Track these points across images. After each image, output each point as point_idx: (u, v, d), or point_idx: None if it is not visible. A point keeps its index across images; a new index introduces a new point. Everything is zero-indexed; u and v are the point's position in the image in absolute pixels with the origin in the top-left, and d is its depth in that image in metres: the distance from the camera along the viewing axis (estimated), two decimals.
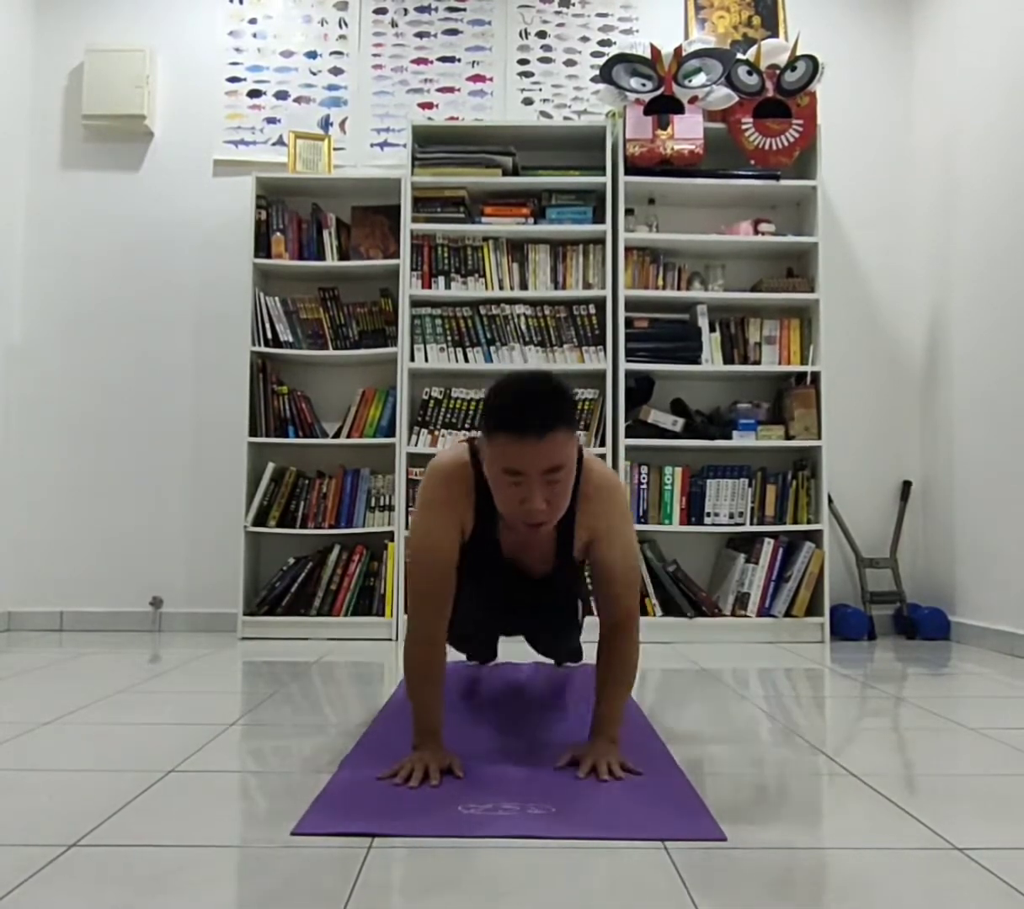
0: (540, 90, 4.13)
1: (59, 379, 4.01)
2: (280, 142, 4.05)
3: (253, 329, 3.77)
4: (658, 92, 3.76)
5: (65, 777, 1.69)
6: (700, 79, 3.76)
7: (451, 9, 4.16)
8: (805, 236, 3.86)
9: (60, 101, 4.09)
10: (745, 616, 3.67)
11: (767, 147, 3.81)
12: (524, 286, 3.81)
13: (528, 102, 4.12)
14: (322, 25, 4.14)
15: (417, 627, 1.80)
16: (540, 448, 1.62)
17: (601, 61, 3.88)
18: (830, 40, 4.07)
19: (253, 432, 3.76)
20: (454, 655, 2.10)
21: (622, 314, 3.72)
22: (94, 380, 4.01)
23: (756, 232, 3.86)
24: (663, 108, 3.77)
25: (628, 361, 3.72)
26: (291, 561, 3.77)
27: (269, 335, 3.81)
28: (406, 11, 4.15)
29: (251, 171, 3.90)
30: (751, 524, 3.75)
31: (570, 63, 4.15)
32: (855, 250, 4.12)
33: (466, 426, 3.75)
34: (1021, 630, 3.27)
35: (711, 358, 3.79)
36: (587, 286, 3.81)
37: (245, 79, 4.12)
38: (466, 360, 3.77)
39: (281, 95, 4.11)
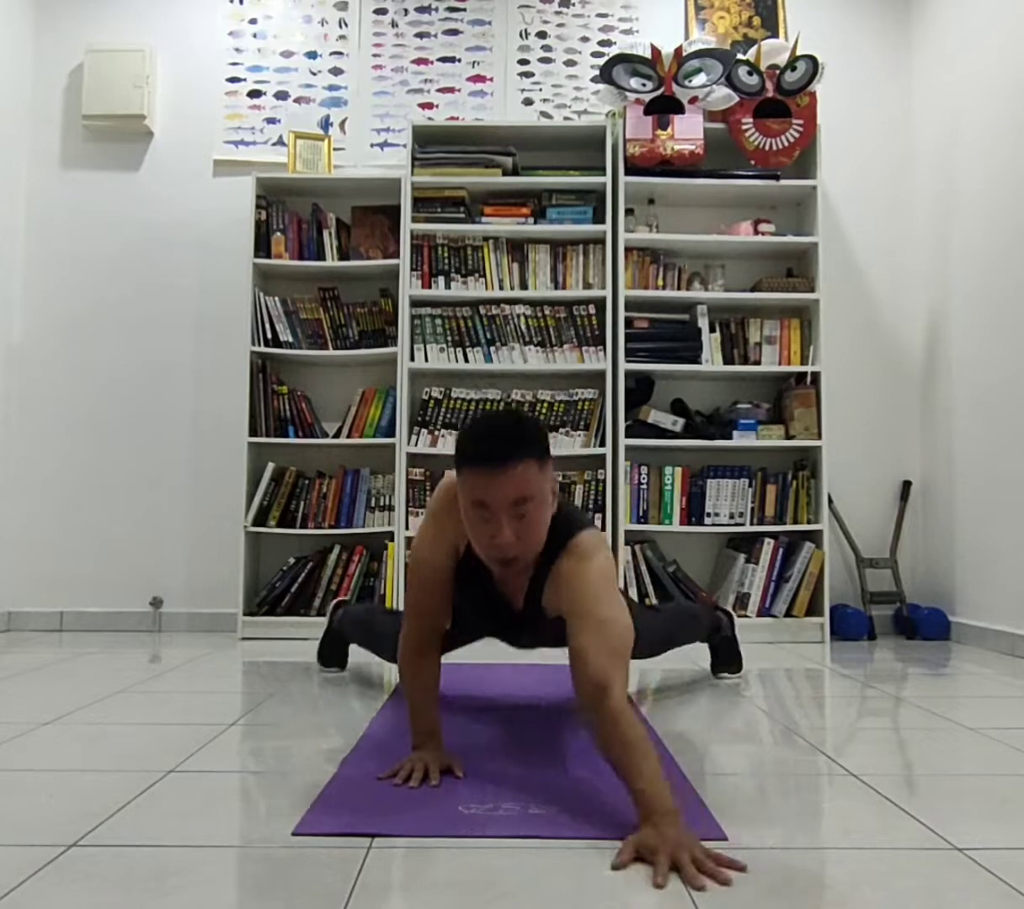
0: (540, 90, 4.13)
1: (59, 379, 4.01)
2: (280, 142, 4.05)
3: (253, 329, 3.77)
4: (658, 92, 3.76)
5: (65, 777, 1.69)
6: (700, 79, 3.76)
7: (451, 9, 4.16)
8: (805, 236, 3.86)
9: (60, 101, 4.09)
10: (745, 616, 3.67)
11: (767, 147, 3.81)
12: (524, 286, 3.81)
13: (528, 102, 4.12)
14: (322, 25, 4.15)
15: (410, 637, 1.83)
16: (504, 478, 1.61)
17: (601, 61, 3.88)
18: (830, 40, 4.07)
19: (253, 432, 3.76)
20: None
21: (622, 314, 3.72)
22: (94, 380, 4.02)
23: (756, 232, 3.86)
24: (663, 108, 3.77)
25: (628, 361, 3.72)
26: (291, 561, 3.77)
27: (269, 335, 3.81)
28: (406, 11, 4.15)
29: (251, 171, 3.90)
30: (751, 524, 3.75)
31: (570, 63, 4.15)
32: (855, 250, 4.12)
33: (466, 425, 3.75)
34: (1021, 630, 3.27)
35: (711, 358, 3.79)
36: (587, 286, 3.81)
37: (245, 79, 4.12)
38: (466, 360, 3.77)
39: (281, 95, 4.11)
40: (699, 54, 3.78)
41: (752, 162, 3.83)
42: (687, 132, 3.77)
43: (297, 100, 4.11)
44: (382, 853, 1.31)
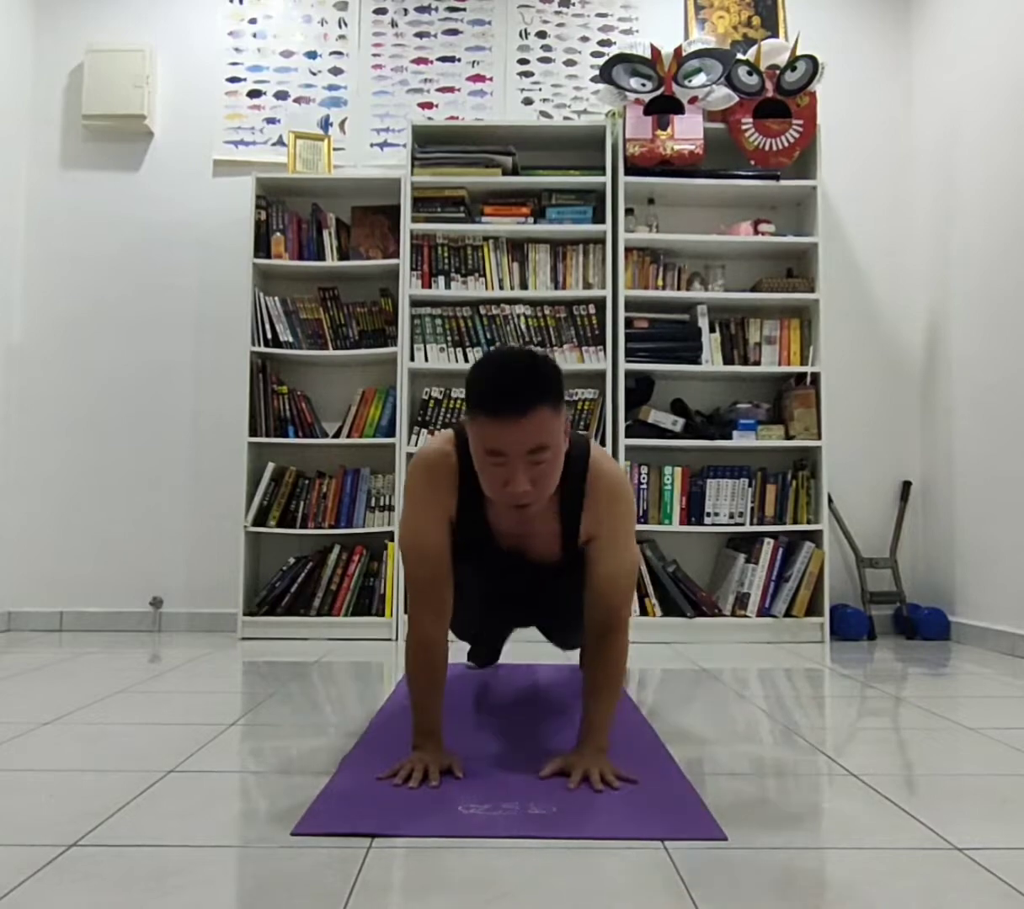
0: (540, 90, 4.13)
1: (59, 379, 4.01)
2: (280, 142, 4.05)
3: (253, 329, 3.77)
4: (658, 92, 3.76)
5: (65, 777, 1.69)
6: (700, 79, 3.76)
7: (451, 9, 4.16)
8: (805, 236, 3.87)
9: (60, 101, 4.09)
10: (745, 616, 3.67)
11: (767, 147, 3.81)
12: (524, 286, 3.81)
13: (528, 102, 4.12)
14: (322, 25, 4.15)
15: (416, 629, 1.78)
16: (520, 428, 1.57)
17: (601, 61, 3.88)
18: (830, 40, 4.07)
19: (253, 432, 3.76)
20: (456, 656, 2.10)
21: (622, 314, 3.72)
22: (94, 380, 4.02)
23: (756, 232, 3.86)
24: (663, 108, 3.77)
25: (628, 361, 3.72)
26: (291, 561, 3.77)
27: (269, 335, 3.81)
28: (406, 11, 4.15)
29: (251, 171, 3.91)
30: (751, 524, 3.75)
31: (570, 63, 4.15)
32: (855, 250, 4.12)
33: None
34: (1021, 630, 3.27)
35: (711, 358, 3.79)
36: (587, 286, 3.81)
37: (245, 79, 4.12)
38: (466, 360, 3.77)
39: (281, 95, 4.11)
40: (699, 54, 3.78)
41: (752, 162, 3.83)
42: (687, 132, 3.77)
43: (297, 100, 4.11)
44: (382, 853, 1.31)
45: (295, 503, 3.79)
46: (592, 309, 3.78)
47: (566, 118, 4.10)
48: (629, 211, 3.86)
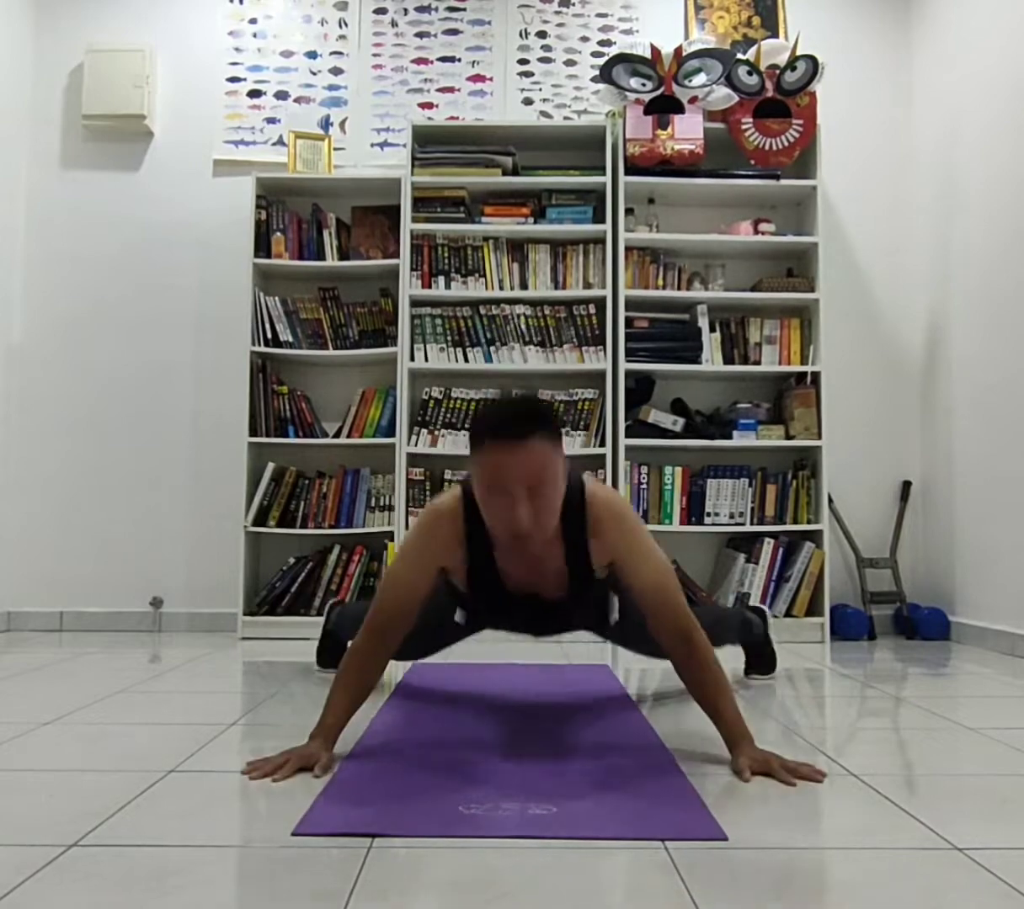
0: (540, 90, 4.13)
1: (59, 379, 4.01)
2: (280, 142, 4.05)
3: (253, 329, 3.77)
4: (658, 92, 3.76)
5: (65, 777, 1.69)
6: (700, 79, 3.76)
7: (451, 9, 4.16)
8: (805, 236, 3.87)
9: (60, 101, 4.09)
10: None
11: (767, 147, 3.81)
12: (524, 286, 3.81)
13: (528, 102, 4.12)
14: (322, 25, 4.15)
15: (358, 650, 1.83)
16: (519, 456, 1.63)
17: (601, 61, 3.88)
18: (830, 40, 4.07)
19: (253, 432, 3.76)
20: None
21: (622, 314, 3.72)
22: (94, 380, 4.02)
23: (756, 232, 3.86)
24: (663, 108, 3.77)
25: (628, 361, 3.72)
26: (291, 561, 3.77)
27: (269, 335, 3.81)
28: (406, 11, 4.15)
29: (251, 171, 3.90)
30: (751, 524, 3.75)
31: (570, 63, 4.15)
32: (855, 250, 4.12)
33: (466, 426, 3.75)
34: (1021, 630, 3.27)
35: (711, 358, 3.79)
36: (587, 286, 3.81)
37: (245, 79, 4.12)
38: (466, 360, 3.77)
39: (281, 95, 4.11)
40: (699, 54, 3.78)
41: (752, 162, 3.83)
42: (687, 132, 3.77)
43: (297, 100, 4.11)
44: (382, 853, 1.31)
45: (295, 503, 3.79)
46: (592, 309, 3.78)
47: (566, 118, 4.10)
48: (629, 211, 3.86)
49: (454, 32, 4.15)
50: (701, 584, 3.80)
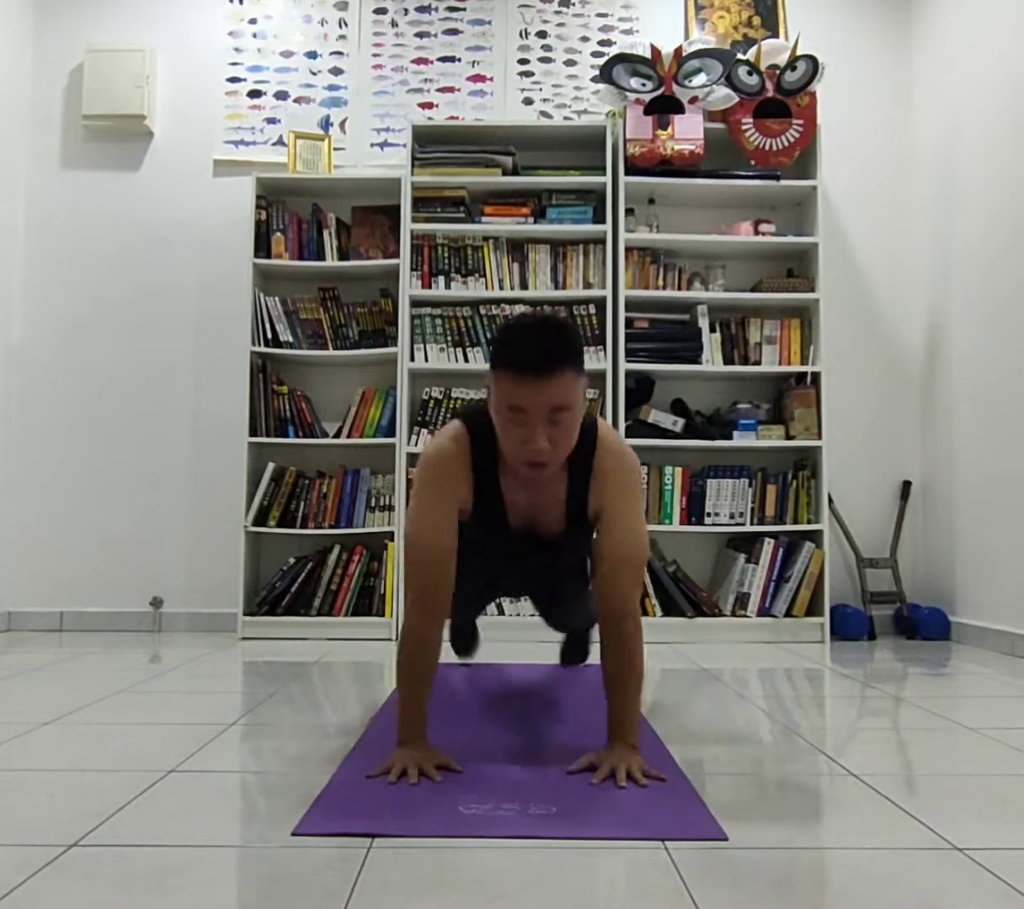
0: (540, 90, 4.13)
1: (59, 379, 4.01)
2: (280, 142, 4.05)
3: (253, 329, 3.77)
4: (658, 92, 3.76)
5: (65, 777, 1.69)
6: (700, 79, 3.76)
7: (451, 9, 4.16)
8: (805, 236, 3.87)
9: (60, 101, 4.09)
10: (745, 616, 3.67)
11: (767, 147, 3.81)
12: (524, 286, 3.81)
13: (528, 102, 4.12)
14: (322, 25, 4.15)
15: (413, 627, 1.77)
16: (543, 386, 1.62)
17: (601, 61, 3.88)
18: (830, 40, 4.07)
19: (253, 432, 3.76)
20: (447, 656, 2.10)
21: (622, 314, 3.72)
22: (94, 380, 4.02)
23: (756, 232, 3.86)
24: (663, 108, 3.77)
25: (628, 361, 3.72)
26: (291, 561, 3.77)
27: (269, 335, 3.81)
28: (406, 11, 4.15)
29: (251, 171, 3.90)
30: (751, 524, 3.75)
31: (570, 63, 4.15)
32: (855, 250, 4.12)
33: None
34: (1021, 630, 3.27)
35: (711, 358, 3.79)
36: (587, 286, 3.81)
37: (245, 79, 4.12)
38: (466, 360, 3.77)
39: (281, 95, 4.11)
40: (699, 54, 3.78)
41: (752, 162, 3.83)
42: (687, 132, 3.77)
43: (297, 100, 4.11)
44: (382, 853, 1.31)
45: (295, 503, 3.79)
46: (592, 309, 3.78)
47: (566, 118, 4.10)
48: (629, 211, 3.86)
49: (454, 32, 4.15)
50: (701, 584, 3.80)
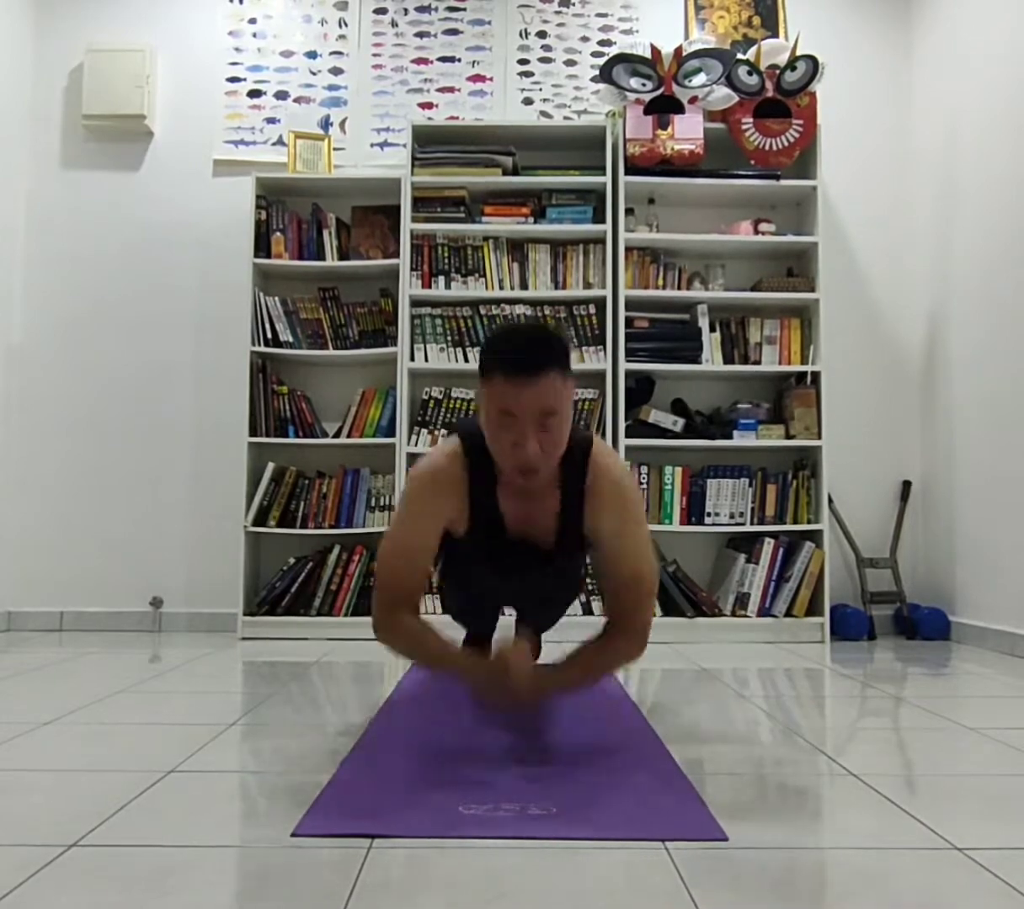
0: (540, 90, 4.13)
1: (59, 379, 4.01)
2: (280, 142, 4.05)
3: (253, 329, 3.77)
4: (658, 92, 3.76)
5: (65, 777, 1.69)
6: (700, 79, 3.76)
7: (451, 9, 4.15)
8: (805, 236, 3.86)
9: (60, 101, 4.09)
10: (745, 616, 3.67)
11: (767, 147, 3.81)
12: (524, 286, 3.81)
13: (528, 102, 4.12)
14: (322, 25, 4.14)
15: (398, 622, 1.84)
16: (533, 389, 1.64)
17: (601, 61, 3.88)
18: (830, 40, 4.07)
19: (253, 432, 3.76)
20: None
21: (622, 314, 3.72)
22: (94, 380, 4.02)
23: (756, 232, 3.86)
24: (663, 108, 3.77)
25: (628, 361, 3.72)
26: (291, 561, 3.77)
27: (269, 335, 3.81)
28: (406, 11, 4.15)
29: (251, 171, 3.90)
30: (751, 524, 3.75)
31: (570, 63, 4.15)
32: (855, 250, 4.12)
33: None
34: (1021, 630, 3.27)
35: (711, 358, 3.79)
36: (587, 286, 3.81)
37: (245, 79, 4.12)
38: (466, 360, 3.76)
39: (281, 95, 4.11)
40: (699, 54, 3.78)
41: (752, 162, 3.83)
42: (687, 132, 3.77)
43: (297, 100, 4.11)
44: (382, 853, 1.31)
45: (295, 503, 3.79)
46: (592, 309, 3.78)
47: (566, 118, 4.10)
48: (629, 211, 3.86)
49: (454, 32, 4.15)
50: (701, 584, 3.80)
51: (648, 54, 3.77)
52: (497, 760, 1.79)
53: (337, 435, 3.86)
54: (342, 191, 3.97)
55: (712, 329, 3.80)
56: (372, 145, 4.09)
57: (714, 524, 3.75)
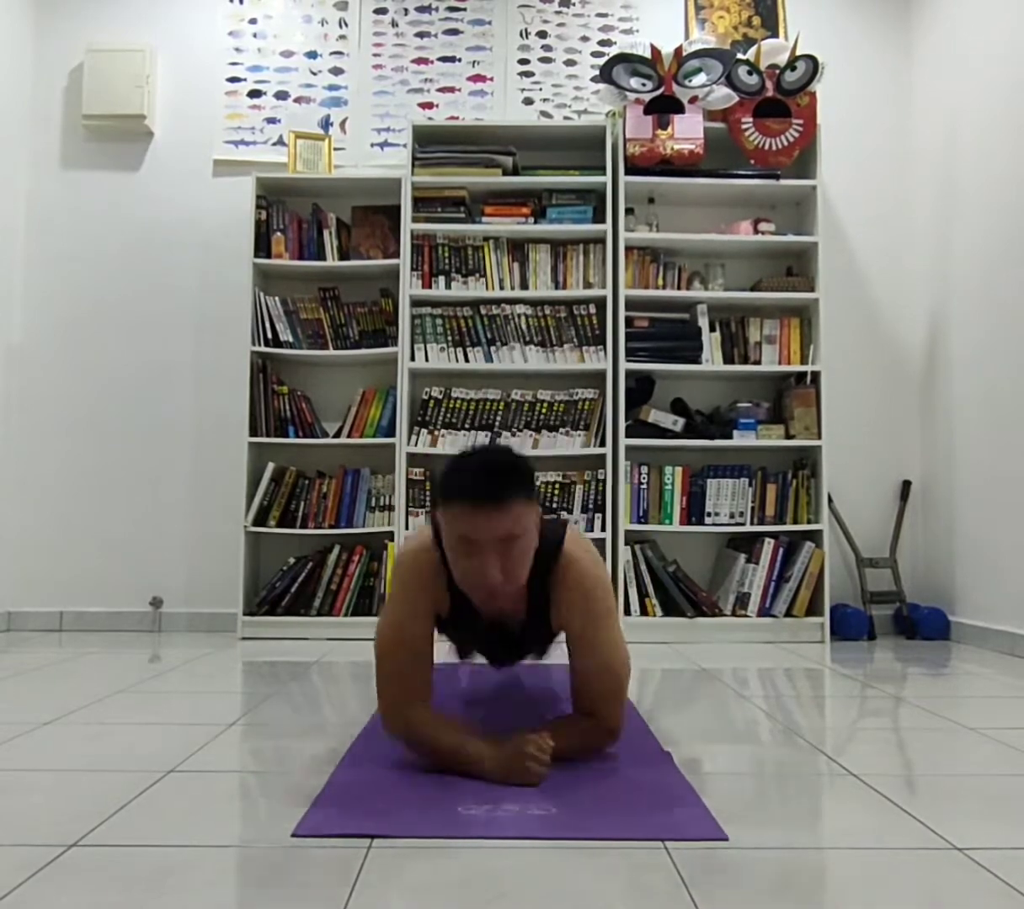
0: (540, 90, 4.13)
1: (59, 379, 4.01)
2: (280, 142, 4.05)
3: (253, 329, 3.77)
4: (658, 92, 3.76)
5: (65, 777, 1.69)
6: (700, 79, 3.76)
7: (451, 9, 4.15)
8: (805, 235, 3.86)
9: (60, 101, 4.09)
10: (745, 616, 3.67)
11: (767, 147, 3.81)
12: (524, 286, 3.81)
13: (528, 102, 4.12)
14: (322, 25, 4.14)
15: (408, 717, 1.74)
16: (494, 518, 1.60)
17: (601, 61, 3.88)
18: (830, 40, 4.07)
19: (253, 432, 3.76)
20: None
21: (622, 314, 3.72)
22: (94, 380, 4.02)
23: (756, 231, 3.86)
24: (663, 108, 3.77)
25: (628, 361, 3.72)
26: (291, 561, 3.77)
27: (269, 335, 3.81)
28: (406, 11, 4.15)
29: (251, 171, 3.90)
30: (751, 524, 3.75)
31: (570, 63, 4.15)
32: (855, 250, 4.12)
33: (466, 426, 3.75)
34: (1021, 630, 3.27)
35: (711, 358, 3.79)
36: (587, 286, 3.81)
37: (245, 79, 4.12)
38: (466, 360, 3.77)
39: (281, 95, 4.11)
40: (699, 54, 3.78)
41: (752, 162, 3.83)
42: (687, 132, 3.77)
43: (297, 100, 4.11)
44: (382, 853, 1.31)
45: (295, 503, 3.79)
46: (592, 309, 3.78)
47: (566, 118, 4.10)
48: (629, 211, 3.86)
49: (454, 32, 4.15)
50: (701, 584, 3.80)
51: (648, 54, 3.77)
52: None
53: (337, 435, 3.86)
54: (342, 191, 3.97)
55: (712, 329, 3.80)
56: (372, 145, 4.09)
57: (714, 524, 3.75)
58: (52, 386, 4.01)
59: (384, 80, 4.13)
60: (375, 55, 4.14)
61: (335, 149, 4.01)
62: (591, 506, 3.68)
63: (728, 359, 3.82)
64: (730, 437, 3.76)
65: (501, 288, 3.80)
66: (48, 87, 4.10)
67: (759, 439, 3.76)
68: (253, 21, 4.14)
